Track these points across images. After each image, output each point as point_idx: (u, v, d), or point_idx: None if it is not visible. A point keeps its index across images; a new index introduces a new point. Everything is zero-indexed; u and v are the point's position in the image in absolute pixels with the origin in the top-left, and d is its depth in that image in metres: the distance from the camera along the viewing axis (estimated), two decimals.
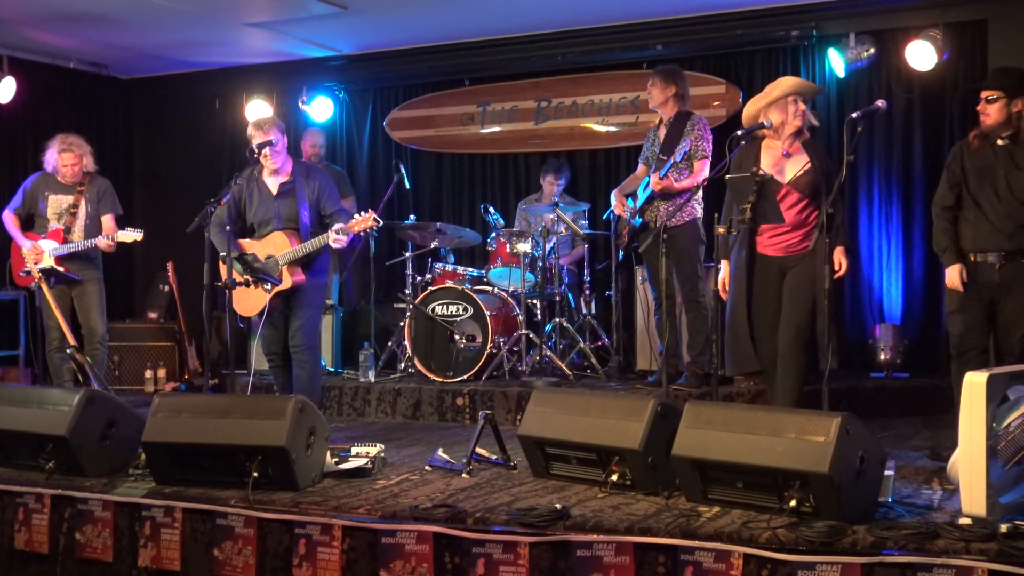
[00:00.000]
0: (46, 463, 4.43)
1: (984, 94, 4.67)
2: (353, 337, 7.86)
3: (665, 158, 6.06)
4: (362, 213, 5.41)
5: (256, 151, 5.39)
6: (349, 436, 5.56)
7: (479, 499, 3.95)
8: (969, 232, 4.74)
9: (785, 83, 5.01)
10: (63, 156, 6.53)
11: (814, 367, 4.85)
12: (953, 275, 4.73)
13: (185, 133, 9.19)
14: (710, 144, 6.08)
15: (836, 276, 4.78)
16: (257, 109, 8.42)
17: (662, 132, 6.24)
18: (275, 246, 5.44)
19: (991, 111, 4.64)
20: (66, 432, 4.37)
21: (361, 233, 5.47)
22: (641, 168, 6.44)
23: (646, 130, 6.57)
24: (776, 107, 4.96)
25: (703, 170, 6.00)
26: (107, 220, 6.62)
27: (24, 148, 8.48)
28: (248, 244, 5.51)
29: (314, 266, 5.54)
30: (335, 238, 5.31)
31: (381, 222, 5.36)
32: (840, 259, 4.84)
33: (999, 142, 4.67)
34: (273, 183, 5.54)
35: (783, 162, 4.96)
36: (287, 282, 5.37)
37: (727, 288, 5.07)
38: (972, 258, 4.72)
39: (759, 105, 5.01)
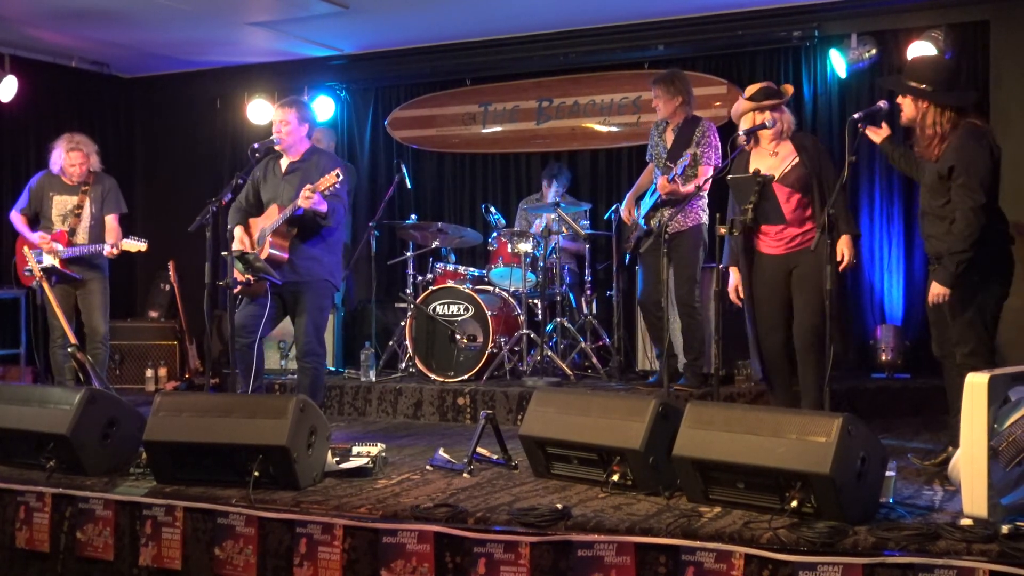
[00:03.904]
0: (47, 462, 4.43)
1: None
2: (354, 336, 7.86)
3: (672, 165, 6.07)
4: (327, 174, 5.26)
5: (256, 150, 5.38)
6: (350, 436, 5.57)
7: (480, 499, 3.95)
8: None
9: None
10: (70, 155, 6.52)
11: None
12: None
13: (186, 132, 9.20)
14: (717, 151, 6.08)
15: (841, 268, 4.78)
16: (259, 109, 8.43)
17: (669, 136, 6.23)
18: (268, 218, 5.44)
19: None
20: (67, 431, 4.37)
21: (335, 191, 5.25)
22: (650, 166, 6.44)
23: (648, 130, 6.55)
24: (749, 114, 5.03)
25: (706, 174, 6.00)
26: (110, 220, 6.61)
27: (26, 147, 8.48)
28: (253, 221, 5.52)
29: (318, 256, 5.45)
30: (305, 196, 5.15)
31: (342, 177, 5.21)
32: (843, 249, 4.82)
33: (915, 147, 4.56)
34: (284, 163, 5.56)
35: (771, 161, 4.98)
36: (264, 252, 5.30)
37: (740, 294, 5.09)
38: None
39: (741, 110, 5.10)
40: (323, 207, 5.25)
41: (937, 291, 4.31)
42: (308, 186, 5.19)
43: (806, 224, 4.91)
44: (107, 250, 6.43)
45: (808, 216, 4.91)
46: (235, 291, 5.21)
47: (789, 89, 5.10)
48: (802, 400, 4.99)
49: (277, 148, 5.52)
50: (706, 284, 6.48)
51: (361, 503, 3.91)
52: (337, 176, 5.17)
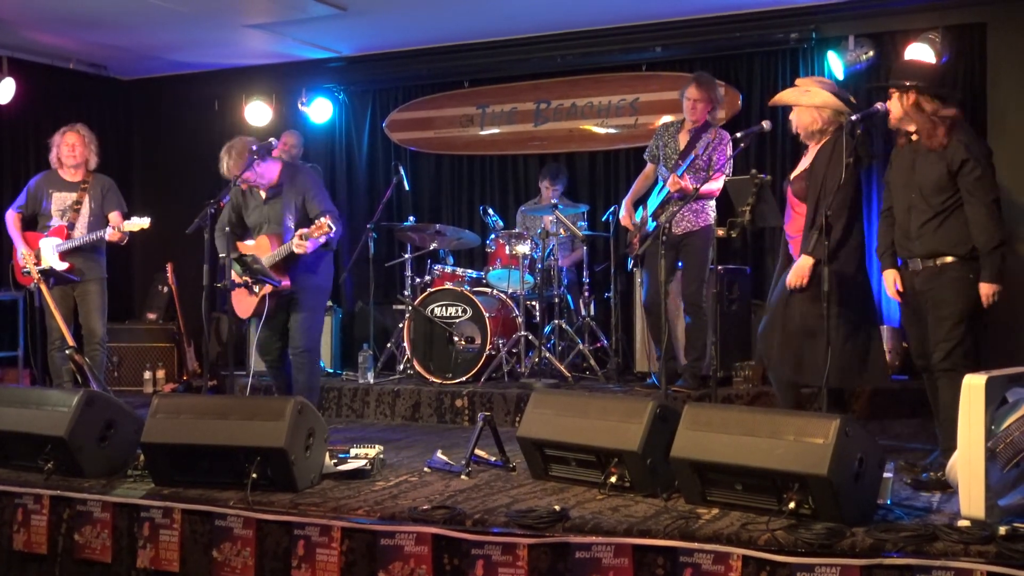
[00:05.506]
0: (45, 464, 4.43)
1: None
2: (352, 338, 7.87)
3: (683, 162, 6.05)
4: (319, 220, 5.30)
5: (255, 151, 5.40)
6: (348, 437, 5.56)
7: (478, 500, 3.95)
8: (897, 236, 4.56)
9: (813, 95, 4.85)
10: (67, 137, 6.51)
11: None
12: (886, 281, 4.62)
13: (184, 134, 9.19)
14: (729, 159, 6.07)
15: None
16: (257, 111, 8.42)
17: (682, 138, 6.21)
18: (259, 250, 5.50)
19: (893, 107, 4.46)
20: (65, 433, 4.37)
21: (329, 236, 5.36)
22: (649, 167, 6.42)
23: (645, 132, 6.53)
24: (795, 108, 4.94)
25: (717, 180, 5.96)
26: (114, 216, 6.59)
27: (24, 149, 8.48)
28: (243, 248, 5.57)
29: (313, 268, 5.56)
30: (298, 243, 5.29)
31: (335, 228, 5.27)
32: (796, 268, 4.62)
33: (914, 138, 4.51)
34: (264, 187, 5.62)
35: (803, 162, 4.97)
36: (268, 286, 5.40)
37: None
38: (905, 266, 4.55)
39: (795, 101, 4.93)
40: (320, 242, 5.36)
41: (990, 290, 4.28)
42: (302, 232, 5.28)
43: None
44: (110, 233, 6.40)
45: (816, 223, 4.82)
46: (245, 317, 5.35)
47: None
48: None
49: (262, 194, 5.59)
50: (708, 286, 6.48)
51: (359, 505, 3.91)
52: (329, 227, 5.25)
